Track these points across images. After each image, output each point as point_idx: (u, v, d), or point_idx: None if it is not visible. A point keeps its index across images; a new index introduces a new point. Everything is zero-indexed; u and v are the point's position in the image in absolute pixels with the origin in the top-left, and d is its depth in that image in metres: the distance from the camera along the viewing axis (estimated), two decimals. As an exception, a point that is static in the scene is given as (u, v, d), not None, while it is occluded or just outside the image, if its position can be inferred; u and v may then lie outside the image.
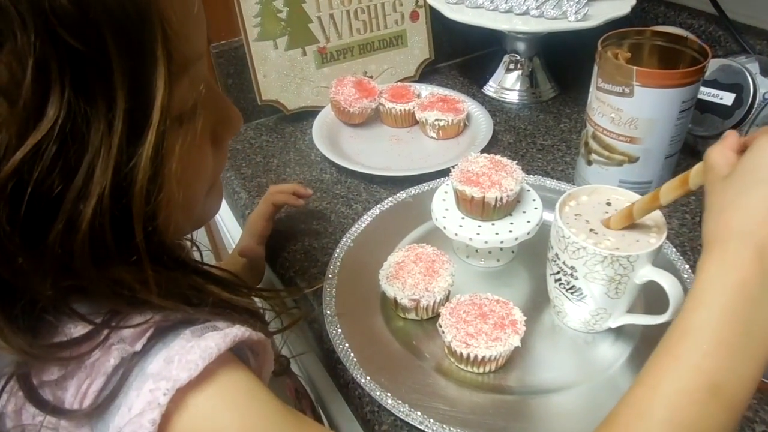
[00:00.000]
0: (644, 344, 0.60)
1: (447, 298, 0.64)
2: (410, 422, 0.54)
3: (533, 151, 0.93)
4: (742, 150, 0.42)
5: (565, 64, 1.08)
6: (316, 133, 0.94)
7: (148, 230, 0.35)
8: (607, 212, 0.59)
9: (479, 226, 0.67)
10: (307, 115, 1.00)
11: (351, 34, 1.02)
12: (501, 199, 0.65)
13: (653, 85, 0.67)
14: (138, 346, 0.36)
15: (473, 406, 0.56)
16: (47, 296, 0.34)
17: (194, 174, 0.40)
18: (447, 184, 0.73)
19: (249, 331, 0.40)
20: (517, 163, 0.69)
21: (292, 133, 1.00)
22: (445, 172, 0.76)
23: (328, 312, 0.64)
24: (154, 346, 0.37)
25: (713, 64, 0.81)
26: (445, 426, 0.53)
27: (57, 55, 0.30)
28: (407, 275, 0.63)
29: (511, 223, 0.68)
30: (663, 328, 0.42)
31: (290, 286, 0.72)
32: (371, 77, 1.05)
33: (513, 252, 0.73)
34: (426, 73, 1.11)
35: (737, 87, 0.79)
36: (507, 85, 1.06)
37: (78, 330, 0.36)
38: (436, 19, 1.04)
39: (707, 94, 0.81)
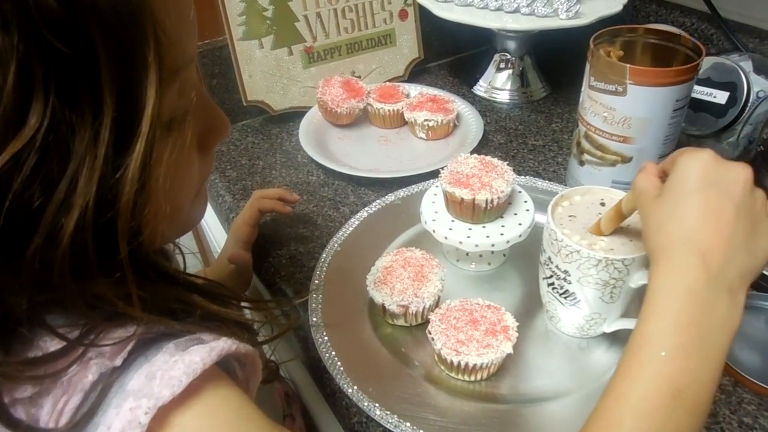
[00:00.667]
0: (640, 350, 0.58)
1: (437, 304, 0.62)
2: (399, 434, 0.52)
3: (524, 151, 0.91)
4: (661, 175, 0.46)
5: (556, 63, 1.07)
6: (303, 134, 0.92)
7: (132, 245, 0.33)
8: (600, 213, 0.57)
9: (469, 229, 0.66)
10: (294, 115, 0.98)
11: (338, 33, 1.00)
12: (492, 201, 0.63)
13: (647, 83, 0.65)
14: (118, 361, 0.34)
15: (464, 416, 0.54)
16: (22, 310, 0.32)
17: (180, 183, 0.38)
18: (436, 186, 0.71)
19: (236, 343, 0.38)
20: (508, 164, 0.67)
21: (279, 134, 0.98)
22: (434, 174, 0.74)
23: (315, 319, 0.62)
24: (135, 360, 0.35)
25: (706, 63, 0.80)
26: (435, 437, 0.51)
27: (42, 58, 0.28)
28: (395, 280, 0.61)
29: (503, 226, 0.66)
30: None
31: (276, 291, 0.70)
32: (359, 77, 1.03)
33: (504, 255, 0.71)
34: (415, 73, 1.09)
35: (731, 85, 0.78)
36: (497, 84, 1.05)
37: (54, 344, 0.34)
38: (425, 17, 1.03)
39: (700, 92, 0.80)
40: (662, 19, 1.04)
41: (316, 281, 0.67)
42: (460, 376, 0.57)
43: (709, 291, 0.39)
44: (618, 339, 0.60)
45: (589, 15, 0.88)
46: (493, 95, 1.05)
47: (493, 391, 0.57)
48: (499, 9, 0.92)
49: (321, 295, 0.65)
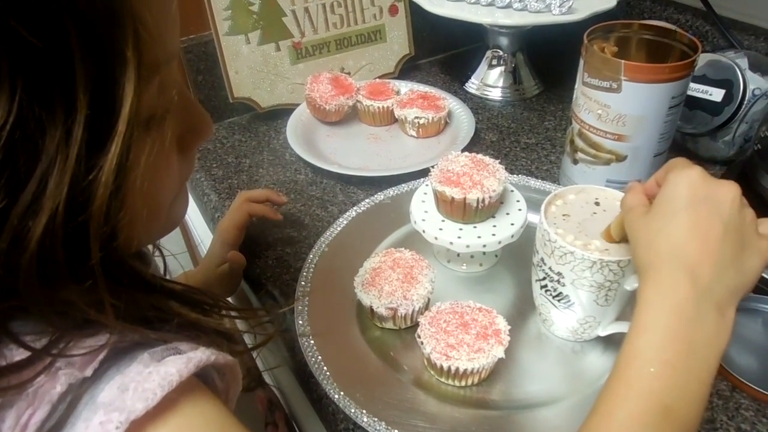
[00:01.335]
0: (635, 353, 0.57)
1: (426, 306, 0.60)
2: (387, 442, 0.50)
3: (517, 149, 0.89)
4: (651, 191, 0.46)
5: (549, 60, 1.05)
6: (291, 131, 0.90)
7: (106, 250, 0.31)
8: (594, 212, 0.56)
9: (460, 229, 0.64)
10: (282, 113, 0.96)
11: (327, 28, 0.98)
12: (483, 200, 0.61)
13: (642, 79, 0.64)
14: (89, 371, 0.32)
15: (455, 423, 0.52)
16: None
17: (159, 185, 0.36)
18: (426, 185, 0.69)
19: (215, 353, 0.36)
20: (500, 163, 0.65)
21: (266, 132, 0.96)
22: (425, 172, 0.72)
23: (301, 322, 0.60)
24: (108, 371, 0.33)
25: (702, 60, 0.79)
26: (424, 446, 0.50)
27: (8, 50, 0.26)
28: (384, 282, 0.59)
29: (494, 226, 0.64)
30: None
31: (263, 293, 0.68)
32: (348, 73, 1.01)
33: (496, 256, 0.69)
34: (406, 70, 1.07)
35: (727, 83, 0.77)
36: (490, 81, 1.03)
37: (19, 353, 0.31)
38: (416, 13, 1.01)
39: (696, 90, 0.78)
40: (657, 15, 1.02)
41: (303, 283, 0.65)
42: (450, 381, 0.55)
43: (697, 307, 0.39)
44: (613, 342, 0.59)
45: (582, 10, 0.86)
46: (485, 92, 1.03)
47: (484, 397, 0.55)
48: (490, 4, 0.90)
49: (308, 297, 0.63)
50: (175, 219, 0.44)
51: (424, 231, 0.65)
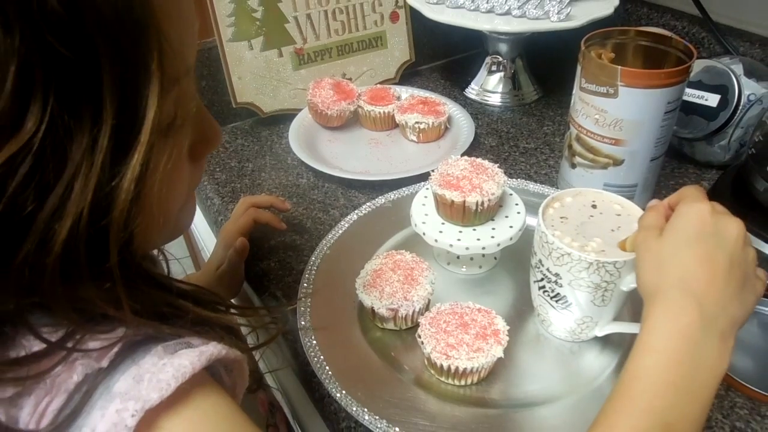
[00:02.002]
0: (632, 353, 0.58)
1: (427, 307, 0.61)
2: (388, 439, 0.51)
3: (516, 154, 0.90)
4: (668, 213, 0.48)
5: (548, 66, 1.07)
6: (293, 136, 0.91)
7: (123, 253, 0.33)
8: (592, 215, 0.57)
9: (460, 231, 0.65)
10: (284, 118, 0.98)
11: (329, 35, 0.99)
12: (482, 203, 0.63)
13: (638, 85, 0.65)
14: (105, 362, 0.34)
15: (455, 421, 0.53)
16: (6, 311, 0.32)
17: (172, 191, 0.38)
18: (427, 189, 0.70)
19: (225, 348, 0.38)
20: (499, 167, 0.66)
21: (268, 136, 0.97)
22: (425, 176, 0.73)
23: (303, 323, 0.61)
24: (123, 362, 0.34)
25: (698, 66, 0.80)
26: (424, 443, 0.51)
27: (43, 62, 0.27)
28: (385, 283, 0.61)
29: (493, 229, 0.65)
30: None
31: (265, 295, 0.69)
32: (350, 79, 1.02)
33: (495, 258, 0.70)
34: (406, 76, 1.08)
35: (722, 88, 0.78)
36: (489, 87, 1.04)
37: (38, 343, 0.33)
38: (416, 20, 1.02)
39: (692, 95, 0.80)
40: (654, 22, 1.04)
41: (305, 284, 0.66)
42: (450, 381, 0.56)
43: (702, 334, 0.41)
44: (610, 343, 0.60)
45: (580, 17, 0.88)
46: (485, 98, 1.04)
47: (483, 396, 0.56)
48: (490, 11, 0.92)
49: (310, 299, 0.64)
50: (183, 225, 0.45)
51: (424, 233, 0.66)
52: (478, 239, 0.64)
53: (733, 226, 0.44)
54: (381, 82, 1.05)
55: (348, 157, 0.90)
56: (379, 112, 0.93)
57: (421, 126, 0.90)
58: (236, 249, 0.69)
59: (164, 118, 0.33)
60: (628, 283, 0.53)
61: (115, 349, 0.34)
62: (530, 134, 0.95)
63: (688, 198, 0.46)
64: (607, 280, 0.52)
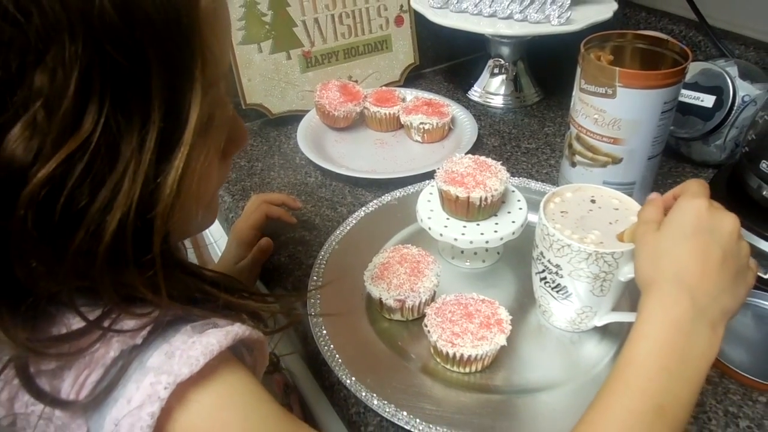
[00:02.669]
0: (629, 343, 0.60)
1: (432, 299, 0.63)
2: (396, 422, 0.54)
3: (518, 154, 0.93)
4: (668, 204, 0.50)
5: (548, 68, 1.09)
6: (301, 136, 0.94)
7: (165, 243, 0.36)
8: (591, 209, 0.59)
9: (464, 226, 0.67)
10: (292, 119, 1.00)
11: (336, 38, 1.02)
12: (486, 199, 0.65)
13: (636, 85, 0.68)
14: (138, 339, 0.37)
15: (460, 406, 0.56)
16: (56, 293, 0.35)
17: (204, 188, 0.41)
18: (432, 186, 0.73)
19: (249, 329, 0.41)
20: (501, 164, 0.69)
21: (277, 137, 0.99)
22: (429, 175, 0.76)
23: (313, 313, 0.64)
24: (155, 340, 0.37)
25: (694, 68, 0.83)
26: (431, 426, 0.53)
27: (101, 67, 0.30)
28: (392, 276, 0.63)
29: (496, 224, 0.68)
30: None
31: (276, 289, 0.72)
32: (356, 81, 1.05)
33: (498, 253, 0.73)
34: (411, 78, 1.11)
35: (717, 90, 0.80)
36: (492, 89, 1.07)
37: (77, 321, 0.36)
38: (420, 24, 1.05)
39: (688, 96, 0.82)
40: (651, 26, 1.06)
41: (315, 278, 0.69)
42: (455, 368, 0.59)
43: (694, 324, 0.43)
44: (608, 333, 0.62)
45: (580, 21, 0.90)
46: (488, 100, 1.07)
47: (487, 383, 0.58)
48: (492, 15, 0.94)
49: (320, 291, 0.67)
50: (205, 224, 0.48)
51: (429, 228, 0.68)
52: (482, 234, 0.66)
53: (728, 221, 0.46)
54: (386, 85, 1.07)
55: (354, 156, 0.92)
56: (385, 114, 0.96)
57: (426, 127, 0.93)
58: (261, 247, 0.72)
59: (203, 120, 0.35)
60: (625, 273, 0.55)
61: (148, 327, 0.36)
62: (532, 135, 0.98)
63: (688, 193, 0.48)
64: (606, 270, 0.55)
